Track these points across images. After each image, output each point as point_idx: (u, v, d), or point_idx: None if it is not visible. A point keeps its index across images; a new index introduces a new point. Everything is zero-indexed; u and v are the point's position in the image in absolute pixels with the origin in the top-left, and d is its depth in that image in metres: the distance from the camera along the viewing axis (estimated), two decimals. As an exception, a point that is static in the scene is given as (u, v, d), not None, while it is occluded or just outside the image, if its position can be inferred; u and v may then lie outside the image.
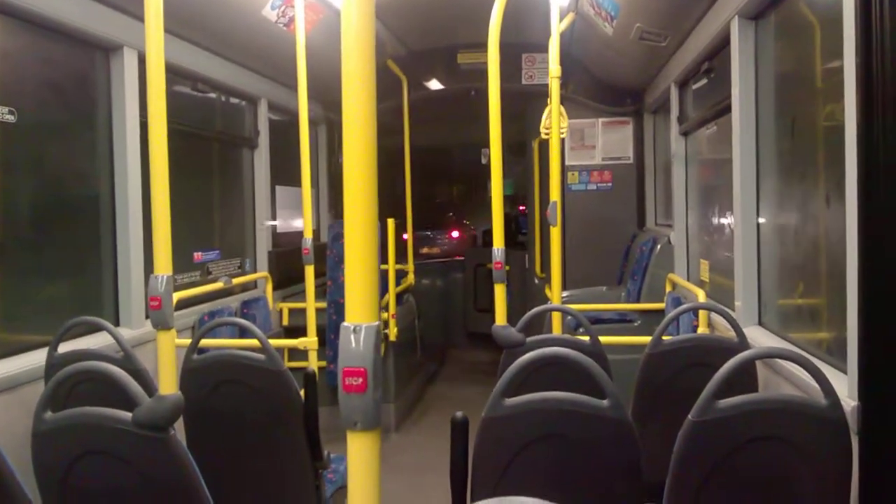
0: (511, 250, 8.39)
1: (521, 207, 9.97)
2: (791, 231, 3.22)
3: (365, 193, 1.38)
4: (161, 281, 2.42)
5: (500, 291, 3.56)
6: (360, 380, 1.32)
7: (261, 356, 2.96)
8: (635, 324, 5.22)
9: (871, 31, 2.09)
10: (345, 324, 1.34)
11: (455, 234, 11.54)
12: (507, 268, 3.82)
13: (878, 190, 2.09)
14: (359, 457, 1.35)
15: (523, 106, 7.34)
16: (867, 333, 2.10)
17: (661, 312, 4.88)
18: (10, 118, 3.15)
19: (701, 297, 4.25)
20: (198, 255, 4.84)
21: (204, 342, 3.33)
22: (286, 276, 5.79)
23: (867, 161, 2.11)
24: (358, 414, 1.33)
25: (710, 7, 3.94)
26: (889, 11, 2.06)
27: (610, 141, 6.81)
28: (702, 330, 4.04)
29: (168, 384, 2.37)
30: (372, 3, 1.38)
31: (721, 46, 3.93)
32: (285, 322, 5.72)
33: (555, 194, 4.09)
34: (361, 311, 1.34)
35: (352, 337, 1.33)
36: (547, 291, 5.58)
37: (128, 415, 2.13)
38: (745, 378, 2.77)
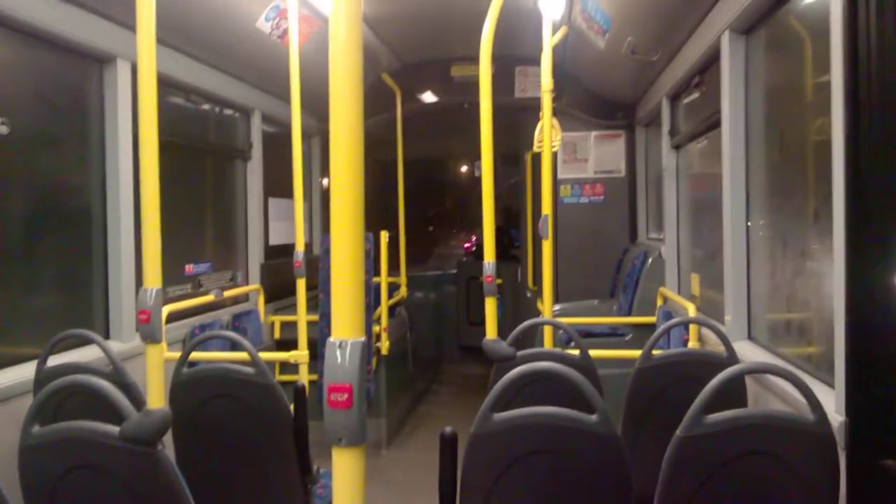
0: (504, 263, 8.39)
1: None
2: (780, 245, 3.23)
3: (352, 206, 1.38)
4: (150, 294, 2.41)
5: (490, 305, 3.56)
6: (346, 395, 1.31)
7: (251, 370, 2.95)
8: (627, 337, 5.22)
9: (858, 46, 2.11)
10: (330, 339, 1.34)
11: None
12: (500, 281, 3.83)
13: (864, 204, 2.10)
14: (344, 473, 1.35)
15: (516, 118, 7.37)
16: (854, 349, 2.11)
17: (652, 326, 4.89)
18: (2, 129, 3.15)
19: (691, 311, 4.25)
20: (189, 268, 4.83)
21: (194, 355, 3.32)
22: (278, 288, 5.78)
23: (854, 175, 2.12)
24: (343, 430, 1.33)
25: (701, 22, 3.96)
26: (876, 27, 2.08)
27: (602, 154, 6.83)
28: (692, 344, 4.05)
29: (156, 398, 2.36)
30: (359, 17, 1.38)
31: (712, 61, 3.96)
32: (277, 335, 5.71)
33: (547, 207, 4.09)
34: (347, 327, 1.34)
35: (337, 353, 1.33)
36: (539, 305, 5.58)
37: (115, 429, 2.12)
38: (734, 393, 2.77)
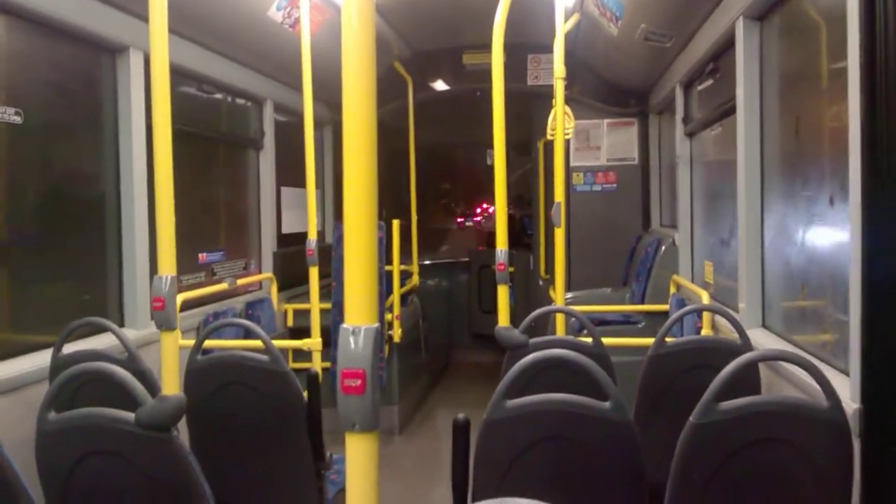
0: (516, 251, 8.39)
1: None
2: (795, 233, 3.22)
3: (365, 194, 1.38)
4: (165, 282, 2.43)
5: (503, 293, 3.56)
6: (359, 381, 1.32)
7: (264, 357, 2.96)
8: (639, 325, 5.21)
9: (875, 31, 2.09)
10: (344, 325, 1.34)
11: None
12: (512, 269, 3.83)
13: (881, 191, 2.09)
14: (357, 458, 1.36)
15: (529, 106, 7.34)
16: (869, 336, 2.10)
17: (665, 314, 4.88)
18: (17, 119, 3.17)
19: (705, 298, 4.24)
20: (203, 256, 4.85)
21: (208, 343, 3.34)
22: (291, 277, 5.80)
23: (871, 162, 2.11)
24: (356, 415, 1.33)
25: (715, 8, 3.93)
26: (893, 11, 2.06)
27: (615, 142, 6.80)
28: (705, 332, 4.04)
29: (171, 385, 2.38)
30: (372, 5, 1.38)
31: (726, 47, 3.93)
32: (290, 323, 5.73)
33: (559, 195, 4.08)
34: (360, 313, 1.34)
35: (351, 339, 1.33)
36: (551, 293, 5.58)
37: (131, 415, 2.13)
38: (748, 380, 2.76)
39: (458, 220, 11.79)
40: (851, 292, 2.21)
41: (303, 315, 5.46)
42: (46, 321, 3.38)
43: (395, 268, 5.81)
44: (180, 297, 4.03)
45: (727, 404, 2.00)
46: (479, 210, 11.62)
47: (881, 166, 2.08)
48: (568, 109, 4.24)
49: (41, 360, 3.12)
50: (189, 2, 3.93)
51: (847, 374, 2.29)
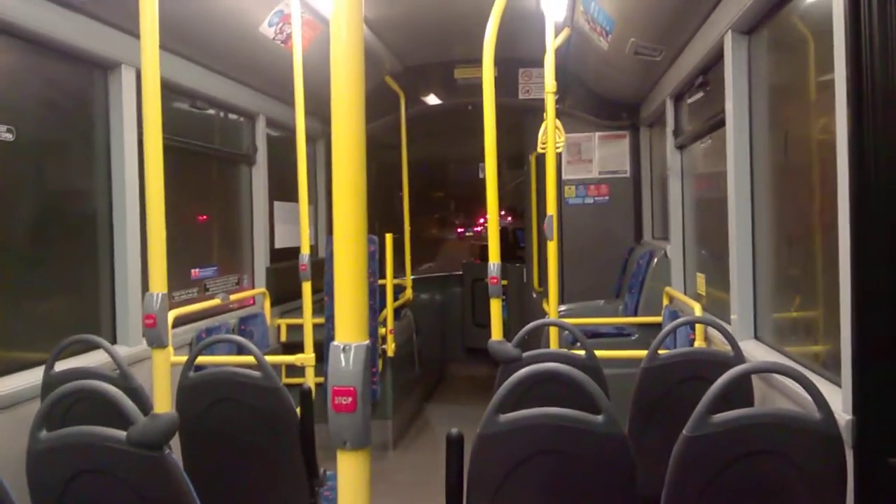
0: (509, 264, 8.39)
1: None
2: (786, 244, 3.23)
3: (354, 209, 1.38)
4: (156, 299, 2.42)
5: (495, 306, 3.56)
6: (350, 399, 1.32)
7: (257, 373, 2.95)
8: (633, 337, 5.21)
9: (861, 44, 2.11)
10: (334, 343, 1.34)
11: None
12: (505, 282, 3.83)
13: (870, 202, 2.10)
14: (349, 476, 1.35)
15: (521, 120, 7.37)
16: (861, 347, 2.11)
17: (658, 326, 4.88)
18: (9, 136, 3.16)
19: (697, 310, 4.24)
20: (195, 272, 4.84)
21: (201, 359, 3.33)
22: (284, 292, 5.79)
23: (859, 173, 2.12)
24: (347, 433, 1.33)
25: (704, 22, 3.96)
26: (878, 25, 2.08)
27: (607, 155, 6.82)
28: (698, 344, 4.04)
29: (163, 402, 2.37)
30: (360, 21, 1.38)
31: (715, 61, 3.95)
32: (283, 338, 5.71)
33: (551, 208, 4.09)
34: (351, 330, 1.35)
35: (341, 356, 1.33)
36: (545, 305, 5.58)
37: (122, 433, 2.12)
38: (740, 392, 2.77)
39: (459, 230, 11.99)
40: (842, 303, 2.22)
41: (296, 330, 5.44)
42: (38, 338, 3.36)
43: (389, 282, 5.80)
44: (173, 314, 4.02)
45: (720, 417, 2.01)
46: (481, 220, 11.78)
47: (869, 176, 2.09)
48: (558, 123, 4.26)
49: (33, 377, 3.11)
50: (181, 18, 3.94)
51: (839, 385, 2.30)
